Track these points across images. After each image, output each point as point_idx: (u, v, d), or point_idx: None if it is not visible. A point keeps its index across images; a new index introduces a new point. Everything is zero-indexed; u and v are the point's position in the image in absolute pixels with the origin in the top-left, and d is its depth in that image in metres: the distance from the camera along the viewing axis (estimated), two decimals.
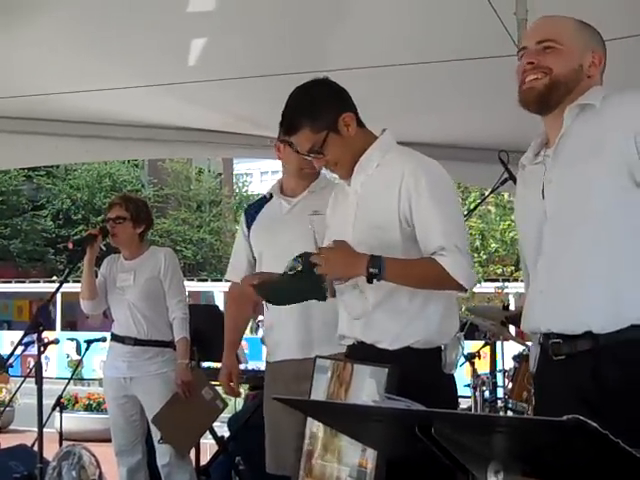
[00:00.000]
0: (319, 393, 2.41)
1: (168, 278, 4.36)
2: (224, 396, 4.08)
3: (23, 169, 24.34)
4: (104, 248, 4.41)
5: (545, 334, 2.07)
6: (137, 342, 4.33)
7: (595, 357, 1.94)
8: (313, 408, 1.52)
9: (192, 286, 18.96)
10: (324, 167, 2.59)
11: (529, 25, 2.90)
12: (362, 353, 2.47)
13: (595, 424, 0.91)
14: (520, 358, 4.02)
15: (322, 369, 2.46)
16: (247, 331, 5.65)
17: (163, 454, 4.30)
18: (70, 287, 6.33)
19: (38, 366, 3.63)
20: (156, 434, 4.30)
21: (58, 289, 4.29)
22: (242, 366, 5.01)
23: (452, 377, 2.49)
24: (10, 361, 4.06)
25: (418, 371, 2.32)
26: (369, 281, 2.33)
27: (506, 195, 15.61)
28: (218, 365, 5.06)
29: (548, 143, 2.14)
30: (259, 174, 44.69)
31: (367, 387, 2.28)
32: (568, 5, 2.26)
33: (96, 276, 4.45)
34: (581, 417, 0.90)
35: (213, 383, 4.22)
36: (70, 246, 4.39)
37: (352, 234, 2.47)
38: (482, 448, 1.09)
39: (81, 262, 4.32)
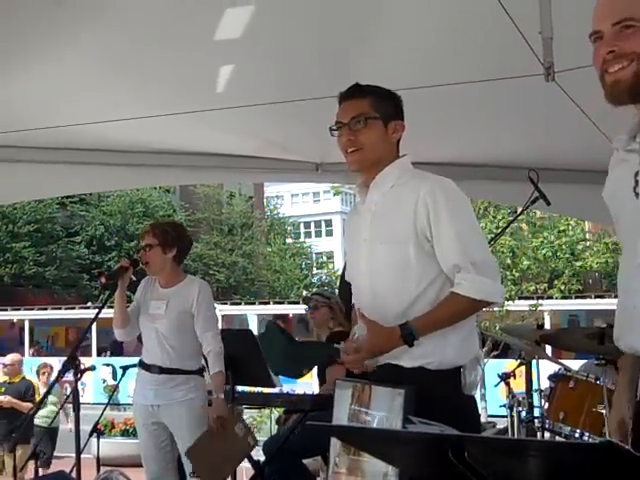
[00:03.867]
0: (340, 414, 2.43)
1: (202, 312, 4.34)
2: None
3: (57, 197, 24.68)
4: (134, 278, 4.44)
5: None
6: (163, 370, 4.33)
7: None
8: (345, 433, 1.53)
9: (225, 310, 19.05)
10: (346, 144, 2.56)
11: (554, 44, 2.92)
12: (380, 374, 2.48)
13: (628, 447, 0.90)
14: (556, 378, 3.98)
15: (342, 389, 2.48)
16: None
17: None
18: (105, 313, 6.40)
19: (75, 393, 3.67)
20: (188, 466, 4.29)
21: (92, 322, 4.34)
22: (277, 389, 5.03)
23: (472, 398, 2.49)
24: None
25: (437, 392, 2.34)
26: (410, 345, 2.39)
27: (538, 212, 15.50)
28: (253, 389, 5.10)
29: None
30: (290, 196, 44.93)
31: (386, 409, 2.29)
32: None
33: (129, 300, 4.49)
34: (614, 440, 0.89)
35: (248, 407, 4.22)
36: (103, 280, 4.43)
37: (367, 251, 2.51)
38: (516, 472, 1.08)
39: (113, 298, 4.35)
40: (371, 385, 2.38)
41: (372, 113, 2.52)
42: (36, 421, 7.61)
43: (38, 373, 8.93)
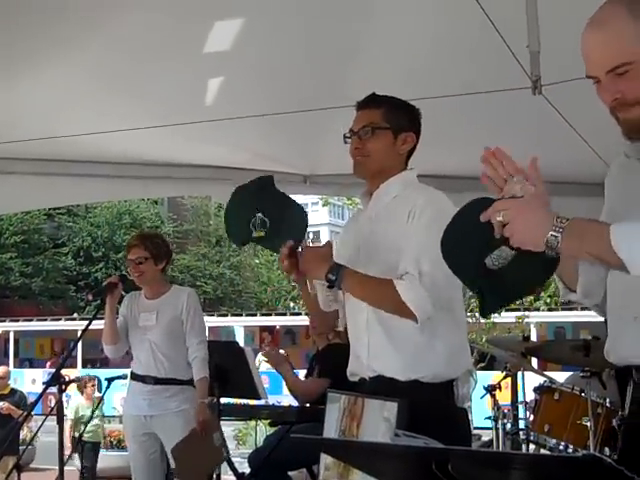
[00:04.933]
0: (331, 427, 2.42)
1: (190, 319, 4.38)
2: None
3: (44, 208, 24.59)
4: (124, 294, 4.44)
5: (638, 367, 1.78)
6: (157, 381, 4.33)
7: None
8: (330, 446, 1.52)
9: (212, 321, 18.97)
10: (354, 152, 2.59)
11: (542, 58, 2.94)
12: (372, 387, 2.49)
13: (610, 460, 0.91)
14: (541, 390, 3.99)
15: (333, 402, 2.47)
16: (266, 365, 5.69)
17: None
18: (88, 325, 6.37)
19: (59, 405, 3.65)
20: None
21: (79, 338, 4.32)
22: (262, 402, 5.01)
23: (465, 410, 2.50)
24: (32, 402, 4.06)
25: (429, 405, 2.34)
26: (329, 286, 2.48)
27: None
28: (238, 401, 5.08)
29: None
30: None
31: (379, 422, 2.28)
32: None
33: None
34: (597, 453, 0.89)
35: (232, 420, 4.19)
36: (90, 298, 4.43)
37: (363, 258, 2.54)
38: None
39: (102, 311, 4.34)
40: (364, 398, 2.38)
41: (382, 123, 2.56)
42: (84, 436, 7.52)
43: (82, 386, 8.87)
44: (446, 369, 2.45)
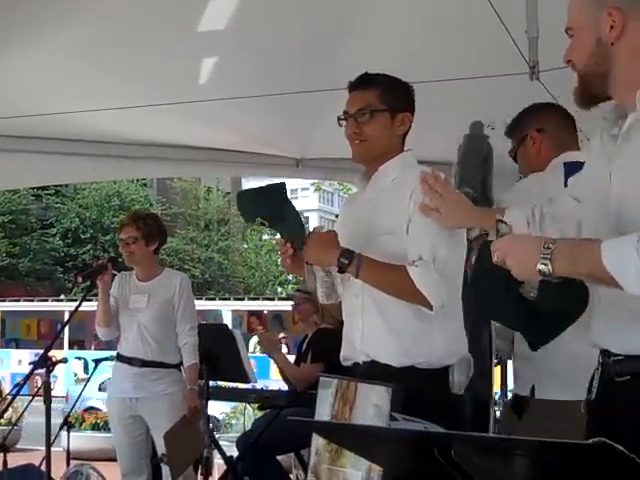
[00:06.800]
0: (323, 411, 2.40)
1: (182, 304, 4.34)
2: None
3: (32, 188, 24.46)
4: (116, 273, 4.39)
5: (604, 351, 1.75)
6: (144, 363, 4.30)
7: None
8: (327, 429, 1.50)
9: (200, 305, 18.87)
10: (351, 136, 2.52)
11: (540, 44, 2.91)
12: (366, 372, 2.46)
13: (622, 447, 0.88)
14: None
15: (325, 386, 2.44)
16: (254, 349, 5.65)
17: (170, 475, 4.26)
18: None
19: (47, 386, 3.60)
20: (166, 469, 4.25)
21: (69, 319, 4.28)
22: (250, 385, 4.99)
23: (461, 397, 2.47)
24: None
25: (425, 391, 2.30)
26: (339, 271, 2.38)
27: None
28: (227, 384, 5.05)
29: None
30: None
31: (372, 406, 2.25)
32: None
33: None
34: (607, 440, 0.87)
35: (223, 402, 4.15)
36: (80, 280, 4.37)
37: (362, 240, 2.48)
38: (503, 471, 1.06)
39: (91, 293, 4.29)
40: (357, 382, 2.35)
41: (379, 105, 2.48)
42: None
43: None
44: (442, 356, 2.42)
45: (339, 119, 2.54)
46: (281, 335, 17.93)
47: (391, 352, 2.42)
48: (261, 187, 2.66)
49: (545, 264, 1.59)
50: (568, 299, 1.74)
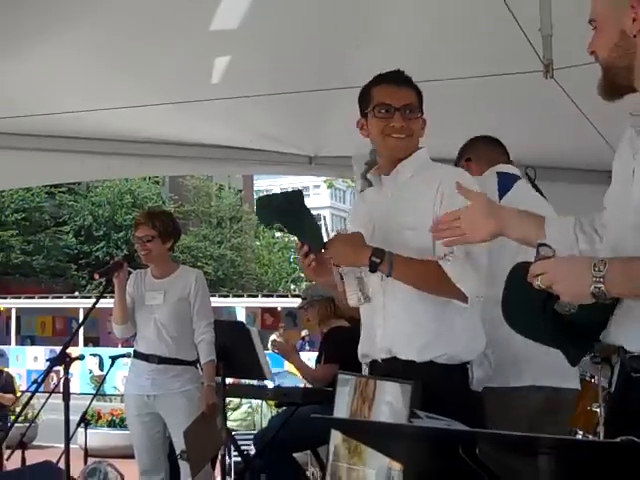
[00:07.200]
0: (341, 409, 2.40)
1: (198, 301, 4.36)
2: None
3: (45, 186, 24.55)
4: (133, 271, 4.41)
5: (620, 347, 1.74)
6: (162, 360, 4.31)
7: None
8: (351, 426, 1.50)
9: (213, 302, 18.88)
10: (399, 130, 2.50)
11: (554, 42, 2.90)
12: (385, 369, 2.46)
13: None
14: None
15: (343, 384, 2.45)
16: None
17: (188, 472, 4.28)
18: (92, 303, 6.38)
19: (66, 383, 3.62)
20: (178, 450, 4.27)
21: (86, 317, 4.31)
22: (266, 382, 5.01)
23: (480, 394, 2.46)
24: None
25: (445, 387, 2.32)
26: (371, 270, 2.37)
27: None
28: (243, 381, 5.07)
29: None
30: (279, 191, 44.77)
31: (391, 403, 2.26)
32: None
33: None
34: (636, 439, 0.87)
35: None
36: (97, 277, 4.38)
37: (383, 237, 2.47)
38: (528, 469, 1.06)
39: (109, 287, 4.31)
40: (375, 379, 2.35)
41: (419, 105, 2.53)
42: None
43: None
44: (462, 351, 2.42)
45: (376, 109, 2.50)
46: (303, 333, 17.95)
47: (412, 347, 2.42)
48: (279, 193, 2.67)
49: (599, 287, 1.57)
50: (601, 308, 1.73)
